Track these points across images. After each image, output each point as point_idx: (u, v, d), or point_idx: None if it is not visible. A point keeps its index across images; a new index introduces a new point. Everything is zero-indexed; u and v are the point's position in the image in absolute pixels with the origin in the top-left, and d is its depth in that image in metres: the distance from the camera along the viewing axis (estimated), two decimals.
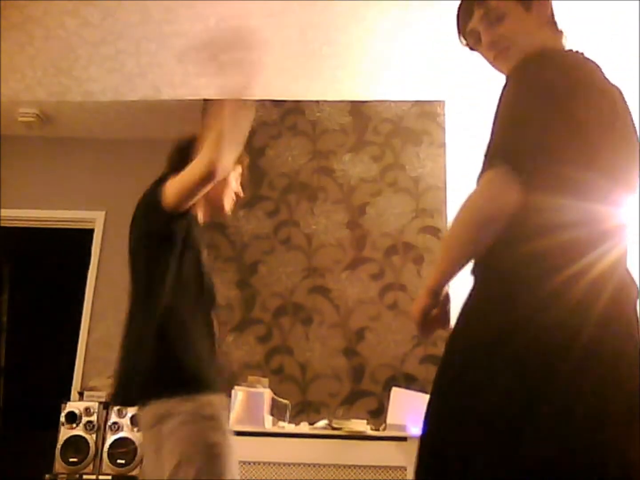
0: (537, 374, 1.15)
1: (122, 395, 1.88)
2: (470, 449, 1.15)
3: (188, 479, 1.61)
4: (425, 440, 1.24)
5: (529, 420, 1.13)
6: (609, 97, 1.34)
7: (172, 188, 1.84)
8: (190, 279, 1.87)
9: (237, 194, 2.14)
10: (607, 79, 1.37)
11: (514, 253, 1.27)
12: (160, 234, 1.86)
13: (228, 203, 2.11)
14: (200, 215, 2.04)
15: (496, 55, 1.47)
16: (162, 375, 1.74)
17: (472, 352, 1.23)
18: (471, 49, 1.56)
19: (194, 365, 1.77)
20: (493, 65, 1.50)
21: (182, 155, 1.98)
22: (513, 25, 1.44)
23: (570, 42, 1.48)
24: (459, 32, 1.55)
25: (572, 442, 1.12)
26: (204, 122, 1.95)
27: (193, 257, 1.89)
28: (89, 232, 4.75)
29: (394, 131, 4.26)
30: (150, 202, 1.88)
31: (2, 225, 5.03)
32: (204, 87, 4.24)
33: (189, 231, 1.89)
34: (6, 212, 4.81)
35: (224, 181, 2.02)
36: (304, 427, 3.40)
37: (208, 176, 1.79)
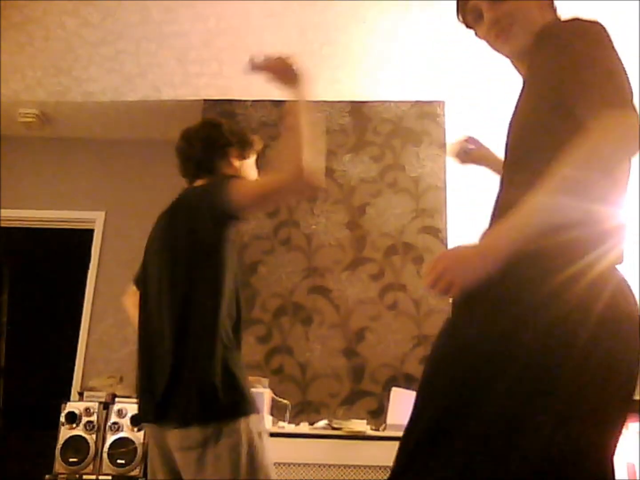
0: (538, 374, 1.15)
1: (179, 413, 1.66)
2: (470, 445, 1.15)
3: None
4: (417, 437, 1.22)
5: (529, 419, 1.13)
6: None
7: (250, 190, 1.72)
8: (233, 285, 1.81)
9: None
10: None
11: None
12: (223, 236, 1.75)
13: None
14: None
15: (498, 33, 1.44)
16: (222, 396, 1.64)
17: (472, 352, 1.23)
18: (468, 26, 1.53)
19: (244, 384, 1.71)
20: (492, 46, 1.48)
21: (209, 142, 1.93)
22: (517, 3, 1.43)
23: None
24: (458, 9, 1.52)
25: (572, 442, 1.12)
26: (283, 124, 1.85)
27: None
28: (89, 233, 4.75)
29: (394, 131, 4.26)
30: (214, 201, 1.73)
31: (2, 225, 5.04)
32: (204, 87, 4.24)
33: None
34: (6, 213, 4.81)
35: (249, 176, 1.99)
36: (304, 427, 3.40)
37: (299, 189, 1.70)
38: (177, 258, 1.77)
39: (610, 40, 1.30)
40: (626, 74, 1.27)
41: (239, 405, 1.66)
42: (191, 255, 1.74)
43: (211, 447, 1.59)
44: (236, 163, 1.97)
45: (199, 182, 1.95)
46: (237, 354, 1.77)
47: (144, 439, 3.55)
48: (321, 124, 1.91)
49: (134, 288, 2.07)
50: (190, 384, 1.65)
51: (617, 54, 1.28)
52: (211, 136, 1.97)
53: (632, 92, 1.25)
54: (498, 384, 1.16)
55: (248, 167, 2.02)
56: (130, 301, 2.08)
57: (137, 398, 1.84)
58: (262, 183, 1.77)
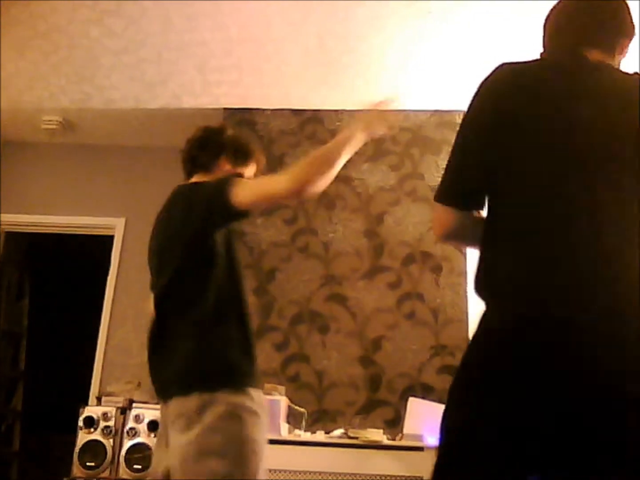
0: (535, 362, 1.14)
1: (177, 385, 1.76)
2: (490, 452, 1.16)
3: (221, 470, 1.60)
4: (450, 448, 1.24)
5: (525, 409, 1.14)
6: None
7: (248, 190, 1.78)
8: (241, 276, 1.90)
9: None
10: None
11: (510, 243, 1.28)
12: (228, 231, 1.86)
13: None
14: None
15: None
16: (214, 367, 1.74)
17: (485, 356, 1.24)
18: None
19: (250, 358, 1.81)
20: None
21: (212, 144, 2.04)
22: None
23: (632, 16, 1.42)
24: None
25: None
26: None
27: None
28: (109, 239, 4.79)
29: (413, 140, 4.26)
30: (216, 198, 1.79)
31: (23, 231, 5.10)
32: (224, 96, 4.28)
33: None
34: (28, 218, 4.88)
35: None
36: (320, 436, 3.39)
37: (291, 195, 1.78)
38: (173, 244, 1.87)
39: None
40: None
41: (235, 376, 1.74)
42: (187, 242, 1.84)
43: (205, 412, 1.65)
44: (227, 166, 2.05)
45: (193, 179, 2.04)
46: (238, 334, 1.83)
47: None
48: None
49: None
50: (193, 355, 1.75)
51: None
52: (208, 138, 2.09)
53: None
54: (511, 385, 1.16)
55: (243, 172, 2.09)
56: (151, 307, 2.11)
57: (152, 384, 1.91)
58: (262, 183, 1.85)
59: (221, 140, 2.07)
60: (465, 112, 1.39)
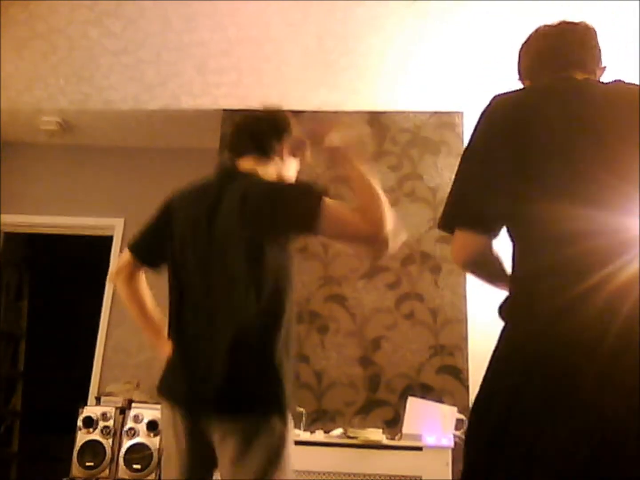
0: (559, 384, 1.14)
1: (226, 402, 1.69)
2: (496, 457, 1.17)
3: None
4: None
5: (550, 432, 1.13)
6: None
7: (331, 217, 1.71)
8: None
9: None
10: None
11: (534, 263, 1.27)
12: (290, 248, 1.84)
13: None
14: None
15: None
16: (270, 391, 1.69)
17: (496, 363, 1.24)
18: None
19: (288, 383, 1.74)
20: None
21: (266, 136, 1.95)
22: None
23: (600, 40, 1.55)
24: None
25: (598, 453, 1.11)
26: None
27: None
28: (108, 239, 4.79)
29: (412, 141, 4.26)
30: (306, 213, 1.73)
31: (22, 231, 5.10)
32: (224, 97, 4.28)
33: None
34: (26, 219, 4.88)
35: (290, 174, 2.01)
36: (319, 436, 3.40)
37: (373, 244, 1.77)
38: (250, 252, 1.75)
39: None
40: None
41: (283, 402, 1.70)
42: (265, 256, 1.76)
43: (261, 436, 1.64)
44: (286, 154, 1.98)
45: (247, 163, 1.92)
46: (288, 359, 1.76)
47: (160, 444, 3.56)
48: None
49: (130, 259, 1.97)
50: (253, 374, 1.68)
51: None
52: (278, 119, 2.01)
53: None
54: (519, 394, 1.18)
55: (292, 165, 2.02)
56: (123, 276, 1.97)
57: (172, 385, 1.81)
58: (352, 216, 1.73)
59: (289, 126, 2.00)
60: (469, 143, 1.41)
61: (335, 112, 4.30)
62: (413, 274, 3.97)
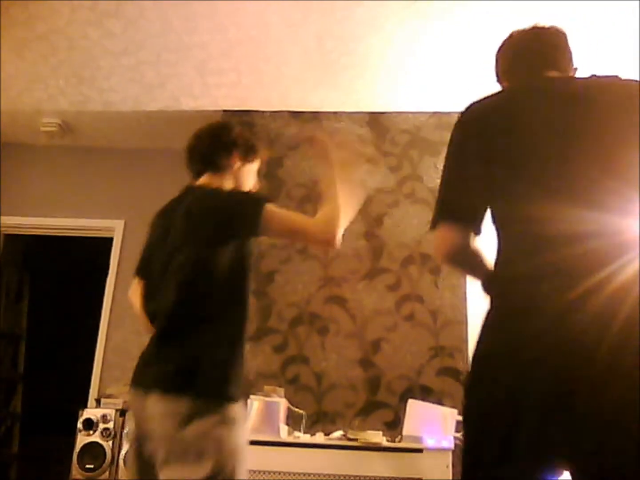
0: (558, 387, 1.14)
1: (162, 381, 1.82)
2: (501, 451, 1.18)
3: (208, 473, 1.61)
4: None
5: (550, 433, 1.13)
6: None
7: (279, 220, 1.84)
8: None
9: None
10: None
11: (532, 264, 1.27)
12: (250, 247, 1.88)
13: None
14: None
15: None
16: (214, 376, 1.73)
17: (492, 364, 1.23)
18: None
19: (239, 373, 1.79)
20: None
21: (219, 145, 2.03)
22: None
23: (571, 43, 1.60)
24: None
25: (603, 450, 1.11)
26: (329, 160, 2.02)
27: None
28: (108, 241, 4.79)
29: (412, 142, 4.26)
30: (245, 215, 1.83)
31: (22, 233, 5.10)
32: (223, 98, 4.28)
33: None
34: (27, 220, 4.88)
35: (247, 180, 2.06)
36: (319, 438, 3.39)
37: (324, 243, 1.86)
38: (198, 258, 1.82)
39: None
40: None
41: (229, 388, 1.73)
42: (219, 249, 1.81)
43: (196, 419, 1.66)
44: (237, 163, 2.04)
45: (204, 180, 2.01)
46: (238, 349, 1.82)
47: None
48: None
49: (137, 279, 2.11)
50: (195, 358, 1.75)
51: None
52: (218, 134, 2.09)
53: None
54: (517, 395, 1.18)
55: (248, 172, 2.09)
56: (136, 294, 2.12)
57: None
58: (294, 221, 1.88)
59: (232, 137, 2.06)
60: (447, 151, 1.50)
61: (335, 112, 4.31)
62: (413, 275, 3.97)
